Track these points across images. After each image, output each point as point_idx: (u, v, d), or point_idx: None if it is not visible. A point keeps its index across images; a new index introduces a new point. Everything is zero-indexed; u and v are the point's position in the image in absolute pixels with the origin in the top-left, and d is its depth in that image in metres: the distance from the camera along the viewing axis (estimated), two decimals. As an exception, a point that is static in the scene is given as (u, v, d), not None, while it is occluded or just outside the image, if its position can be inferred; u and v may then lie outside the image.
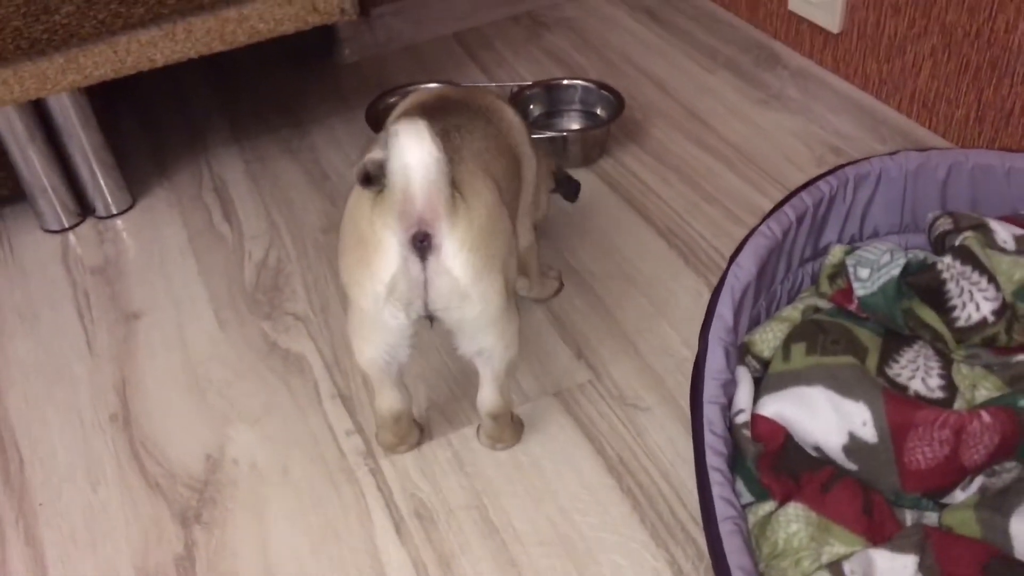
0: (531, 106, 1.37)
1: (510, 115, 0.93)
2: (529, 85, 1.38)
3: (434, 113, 0.84)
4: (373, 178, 0.71)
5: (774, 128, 1.36)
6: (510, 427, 0.92)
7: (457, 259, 0.73)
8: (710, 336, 0.81)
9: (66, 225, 1.28)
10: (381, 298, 0.75)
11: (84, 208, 1.30)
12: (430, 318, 0.77)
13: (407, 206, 0.71)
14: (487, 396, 0.87)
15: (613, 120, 1.31)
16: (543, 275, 1.09)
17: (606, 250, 1.16)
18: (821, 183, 0.94)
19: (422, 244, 0.73)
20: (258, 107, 1.50)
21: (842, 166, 0.96)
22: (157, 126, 1.49)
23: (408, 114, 0.84)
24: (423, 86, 1.38)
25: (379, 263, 0.73)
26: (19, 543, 0.88)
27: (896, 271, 0.87)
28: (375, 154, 0.71)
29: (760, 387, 0.84)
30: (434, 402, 0.98)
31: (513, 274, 0.82)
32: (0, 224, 1.30)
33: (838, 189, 0.94)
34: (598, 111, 1.36)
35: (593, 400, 0.97)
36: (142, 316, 1.13)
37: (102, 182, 1.27)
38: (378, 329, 0.78)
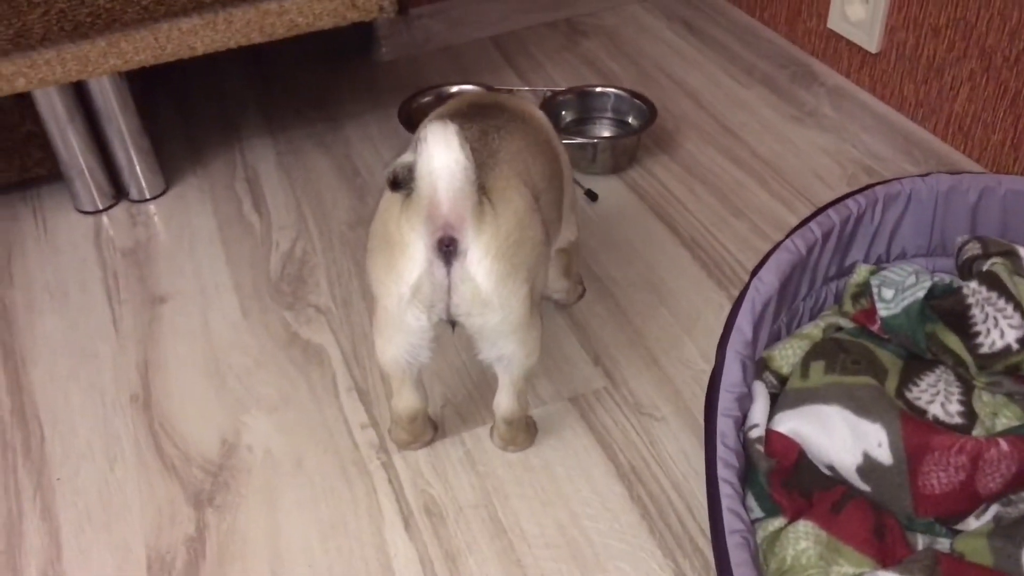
0: (563, 112, 1.38)
1: (541, 117, 0.93)
2: (562, 91, 1.38)
3: (471, 115, 0.84)
4: (402, 182, 0.72)
5: (806, 145, 1.35)
6: (524, 431, 0.92)
7: (481, 266, 0.74)
8: (728, 349, 0.81)
9: (100, 207, 1.31)
10: (405, 299, 0.75)
11: (119, 191, 1.32)
12: (452, 323, 0.78)
13: (433, 210, 0.71)
14: (504, 401, 0.87)
15: (644, 129, 1.31)
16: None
17: (630, 258, 1.16)
18: (849, 201, 0.93)
19: (447, 249, 0.73)
20: (294, 100, 1.52)
21: (871, 185, 0.95)
22: (194, 114, 1.51)
23: (442, 117, 0.84)
24: (457, 87, 1.39)
25: (405, 265, 0.74)
26: (36, 517, 0.90)
27: (921, 293, 0.87)
28: (405, 158, 0.72)
29: (777, 403, 0.84)
30: (450, 400, 0.99)
31: (542, 283, 0.82)
32: (36, 203, 1.33)
33: (866, 208, 0.94)
34: (630, 120, 1.37)
35: (608, 407, 0.97)
36: (168, 300, 1.15)
37: (137, 167, 1.30)
38: (400, 330, 0.78)
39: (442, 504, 0.88)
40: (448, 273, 0.74)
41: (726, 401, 0.79)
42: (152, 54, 1.10)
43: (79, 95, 1.21)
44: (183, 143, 1.44)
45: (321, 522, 0.88)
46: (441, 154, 0.69)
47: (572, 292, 1.09)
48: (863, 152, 1.32)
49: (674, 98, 1.47)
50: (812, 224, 0.90)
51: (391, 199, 0.76)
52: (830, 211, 0.92)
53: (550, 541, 0.84)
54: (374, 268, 0.77)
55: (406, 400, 0.87)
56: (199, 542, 0.86)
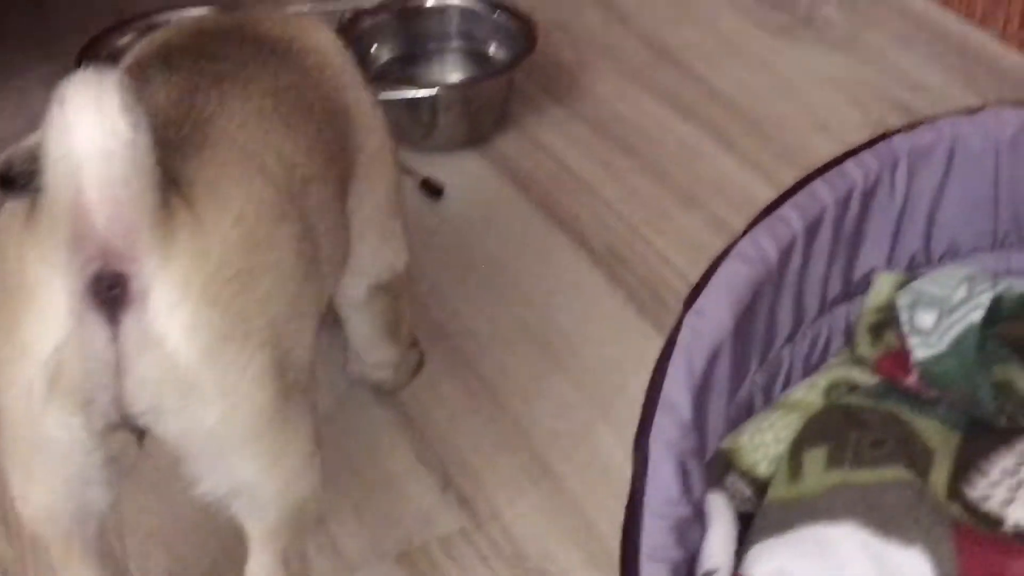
0: (374, 46, 1.39)
1: (330, 48, 0.94)
2: (373, 9, 1.39)
3: (181, 58, 0.84)
4: (19, 179, 0.71)
5: (801, 74, 1.38)
6: None
7: (175, 318, 0.72)
8: (652, 441, 0.80)
9: None
10: (38, 393, 0.73)
11: None
12: (135, 428, 0.76)
13: (80, 225, 0.70)
14: (257, 568, 0.86)
15: (518, 65, 1.32)
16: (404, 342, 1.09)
17: (499, 292, 1.17)
18: (851, 164, 0.94)
19: (111, 293, 0.71)
20: None
21: (887, 135, 0.96)
22: None
23: (129, 64, 0.84)
24: (187, 11, 1.38)
25: (32, 329, 0.72)
26: None
27: (977, 315, 0.88)
28: (28, 139, 0.70)
29: (752, 527, 0.84)
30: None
31: (307, 349, 0.82)
32: None
33: (881, 174, 0.95)
34: (491, 50, 1.39)
35: (468, 564, 0.97)
36: None
37: None
38: (42, 450, 0.76)
39: None
40: (115, 336, 0.72)
41: (654, 534, 0.79)
42: None
43: None
44: None
45: None
46: (88, 125, 0.67)
47: (402, 366, 1.09)
48: (895, 80, 1.36)
49: (575, 7, 1.49)
50: (786, 208, 0.91)
51: (3, 213, 0.74)
52: (818, 184, 0.93)
53: None
54: None
55: None
56: None
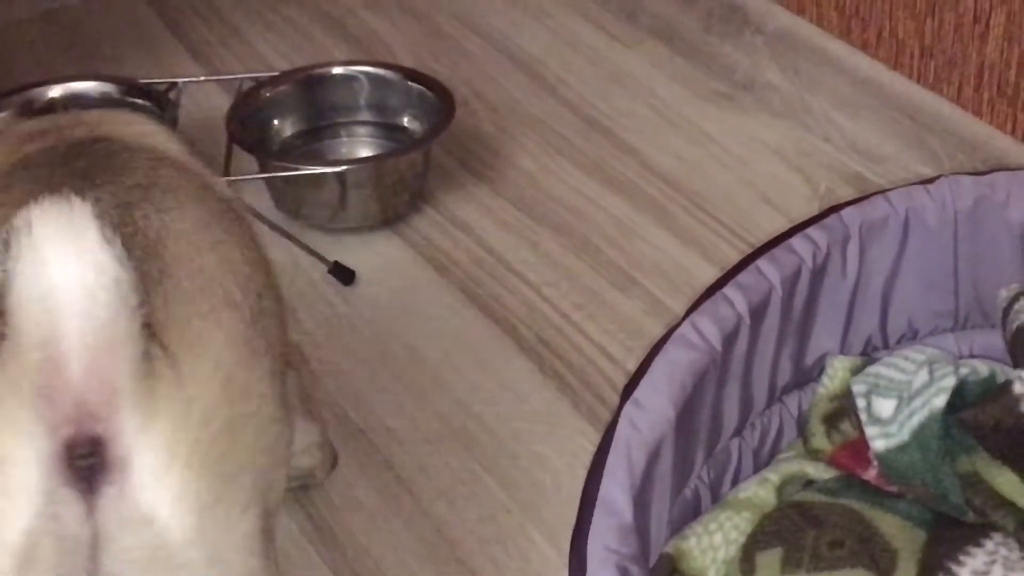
0: (276, 119, 1.40)
1: (174, 147, 0.92)
2: (274, 76, 1.41)
3: (69, 175, 0.82)
4: None
5: (742, 143, 1.39)
6: None
7: (163, 490, 0.71)
8: (588, 545, 0.80)
9: None
10: None
11: None
12: None
13: (53, 379, 0.68)
14: None
15: (435, 138, 1.33)
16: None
17: (419, 386, 1.17)
18: (798, 241, 0.95)
19: (87, 461, 0.70)
20: None
21: (837, 208, 0.97)
22: None
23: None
24: (63, 85, 1.39)
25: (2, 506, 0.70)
26: None
27: (940, 401, 0.88)
28: None
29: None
30: None
31: (277, 497, 0.81)
32: None
33: (831, 251, 0.96)
34: (405, 121, 1.40)
35: None
36: None
37: None
38: None
39: None
40: (91, 512, 0.71)
41: (592, 653, 0.78)
42: None
43: None
44: None
45: None
46: (67, 260, 0.66)
47: (325, 446, 1.08)
48: (844, 149, 1.38)
49: (495, 74, 1.50)
50: (730, 289, 0.91)
51: None
52: (764, 262, 0.94)
53: None
54: None
55: None
56: None
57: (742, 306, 0.92)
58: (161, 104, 1.37)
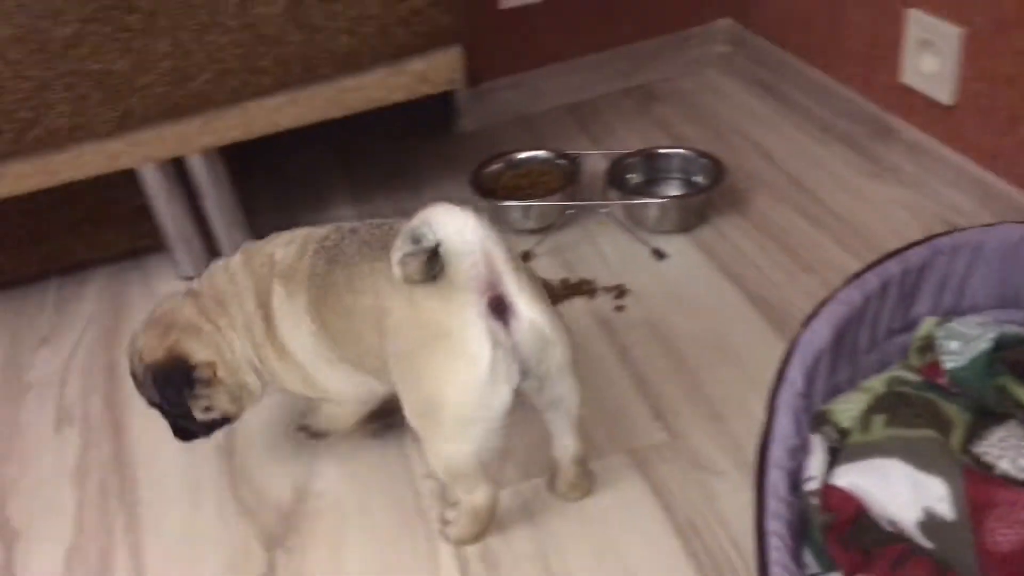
0: (628, 175, 1.40)
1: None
2: (630, 153, 1.41)
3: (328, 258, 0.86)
4: (428, 267, 0.72)
5: (884, 201, 1.33)
6: (589, 475, 0.92)
7: (534, 308, 0.75)
8: (779, 401, 0.81)
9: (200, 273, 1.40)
10: (483, 385, 0.74)
11: (216, 258, 1.41)
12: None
13: (477, 272, 0.72)
14: (570, 443, 0.88)
15: (712, 188, 1.31)
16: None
17: (695, 315, 1.16)
18: (910, 252, 0.92)
19: (499, 307, 0.74)
20: (378, 172, 1.60)
21: (933, 236, 0.94)
22: (285, 187, 1.61)
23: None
24: (525, 153, 1.44)
25: (472, 346, 0.73)
26: (125, 554, 0.97)
27: (986, 345, 0.84)
28: (411, 248, 0.71)
29: (837, 458, 0.82)
30: (506, 452, 1.00)
31: None
32: (144, 270, 1.44)
33: (929, 259, 0.92)
34: (699, 179, 1.38)
35: (667, 460, 0.96)
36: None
37: (232, 236, 1.39)
38: (478, 421, 0.76)
39: (498, 553, 0.89)
40: (508, 331, 0.74)
41: (777, 453, 0.79)
42: (242, 130, 1.20)
43: (179, 173, 1.31)
44: (275, 214, 1.53)
45: (382, 566, 0.90)
46: (457, 218, 0.71)
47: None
48: (943, 206, 1.30)
49: (747, 157, 1.47)
50: (869, 275, 0.89)
51: (411, 297, 0.74)
52: (889, 262, 0.91)
53: (604, 595, 0.84)
54: (432, 376, 0.75)
55: (486, 491, 0.85)
56: (268, 583, 0.90)
57: (875, 283, 0.90)
58: (573, 163, 1.40)
